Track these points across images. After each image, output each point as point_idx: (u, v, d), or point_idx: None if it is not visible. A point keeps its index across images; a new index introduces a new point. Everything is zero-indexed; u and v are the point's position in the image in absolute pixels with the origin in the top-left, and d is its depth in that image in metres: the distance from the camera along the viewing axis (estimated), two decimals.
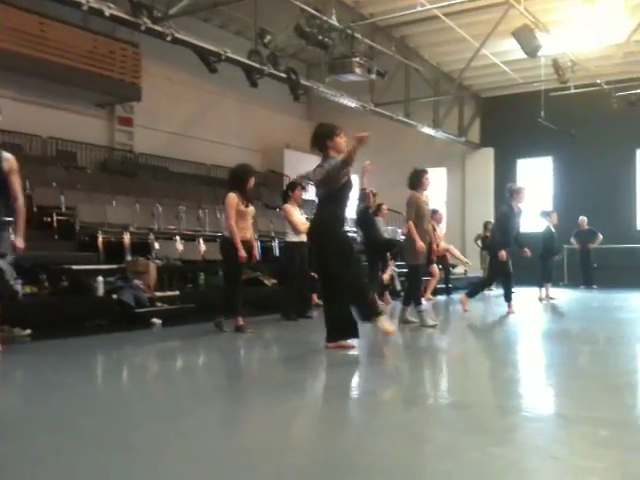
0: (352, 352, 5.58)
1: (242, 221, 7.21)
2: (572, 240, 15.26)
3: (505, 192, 9.56)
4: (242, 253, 6.97)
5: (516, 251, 9.47)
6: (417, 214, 7.65)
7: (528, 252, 9.78)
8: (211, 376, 5.03)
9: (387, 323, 5.62)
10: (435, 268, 12.24)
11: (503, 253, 8.88)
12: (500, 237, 9.13)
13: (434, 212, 12.42)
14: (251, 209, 7.39)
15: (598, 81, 14.11)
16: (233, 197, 7.11)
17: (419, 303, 7.70)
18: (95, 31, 13.07)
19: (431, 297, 11.41)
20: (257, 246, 11.63)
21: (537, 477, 2.57)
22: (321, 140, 5.65)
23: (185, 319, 8.17)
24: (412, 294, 7.90)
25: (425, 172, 7.84)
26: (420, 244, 7.46)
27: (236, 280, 7.22)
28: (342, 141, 5.64)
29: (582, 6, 12.42)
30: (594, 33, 13.18)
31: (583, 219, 15.20)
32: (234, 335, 6.98)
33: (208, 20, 15.92)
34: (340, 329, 5.58)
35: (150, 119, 15.28)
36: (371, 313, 5.59)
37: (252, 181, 7.37)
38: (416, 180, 7.77)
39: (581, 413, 3.55)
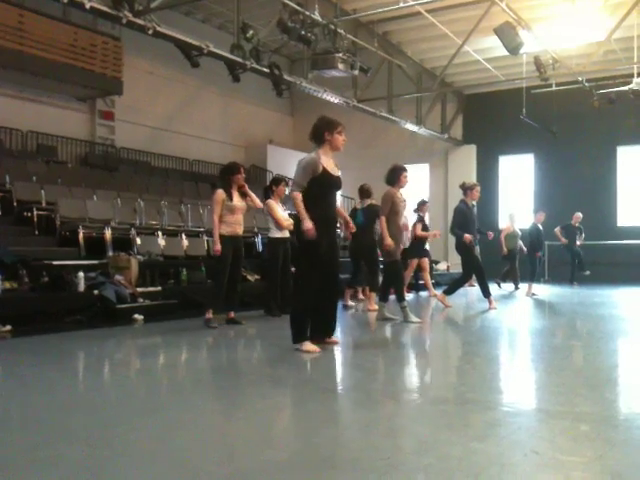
0: (334, 348, 5.58)
1: (231, 216, 7.27)
2: (557, 231, 15.07)
3: (460, 189, 9.60)
4: (217, 247, 7.05)
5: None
6: (392, 210, 7.66)
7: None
8: (192, 372, 5.01)
9: (310, 347, 5.37)
10: (425, 261, 12.32)
11: (468, 236, 8.97)
12: (461, 233, 9.20)
13: (423, 203, 12.50)
14: (243, 204, 7.41)
15: (579, 79, 14.22)
16: (220, 193, 7.22)
17: (402, 299, 7.72)
18: (76, 24, 12.94)
19: (436, 294, 11.21)
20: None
21: (518, 472, 2.59)
22: (320, 131, 5.53)
23: (167, 315, 8.13)
24: (395, 290, 7.91)
25: (404, 170, 7.84)
26: (389, 241, 7.45)
27: (222, 273, 7.20)
28: (341, 139, 5.56)
29: (563, 4, 12.53)
30: (575, 31, 13.29)
31: (579, 215, 15.16)
32: (217, 331, 6.96)
33: (190, 14, 15.84)
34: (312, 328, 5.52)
35: (132, 113, 15.17)
36: (296, 335, 5.43)
37: (239, 177, 7.37)
38: (394, 177, 7.78)
39: (561, 408, 3.58)
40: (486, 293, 9.38)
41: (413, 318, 7.60)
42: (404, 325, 7.47)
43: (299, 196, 5.34)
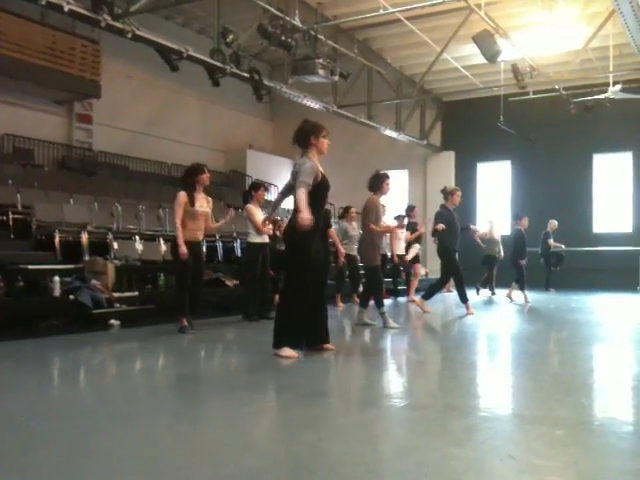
0: (313, 354, 5.57)
1: (192, 221, 7.09)
2: (553, 242, 15.22)
3: (441, 194, 9.63)
4: (182, 250, 6.86)
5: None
6: (371, 217, 7.70)
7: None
8: (170, 378, 4.97)
9: (288, 352, 5.32)
10: (418, 267, 12.43)
11: (440, 226, 9.05)
12: (446, 238, 9.23)
13: (411, 209, 12.58)
14: (204, 210, 7.21)
15: (556, 87, 14.39)
16: (182, 195, 7.04)
17: (381, 305, 7.73)
18: (54, 26, 12.84)
19: (415, 299, 11.27)
20: (218, 246, 11.71)
21: (495, 477, 2.60)
22: (306, 135, 5.49)
23: (144, 320, 8.07)
24: (374, 296, 7.93)
25: (387, 177, 7.88)
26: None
27: (184, 279, 7.08)
28: (326, 143, 5.54)
29: (541, 13, 12.67)
30: (552, 40, 13.46)
31: (554, 222, 15.34)
32: (194, 337, 6.92)
33: (170, 18, 15.78)
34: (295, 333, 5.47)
35: (110, 117, 15.06)
36: (277, 340, 5.38)
37: (205, 178, 7.20)
38: (377, 184, 7.81)
39: (537, 413, 3.61)
40: (464, 299, 9.44)
41: (392, 324, 7.62)
42: (383, 331, 7.48)
43: (306, 193, 5.28)
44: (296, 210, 5.43)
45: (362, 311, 7.99)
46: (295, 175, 5.46)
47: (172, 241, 7.23)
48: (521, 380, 4.80)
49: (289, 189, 5.72)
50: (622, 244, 16.67)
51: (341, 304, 11.13)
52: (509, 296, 12.50)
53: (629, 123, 16.05)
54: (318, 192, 5.41)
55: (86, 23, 10.26)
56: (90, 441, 3.03)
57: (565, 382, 4.57)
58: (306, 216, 5.17)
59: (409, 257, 12.28)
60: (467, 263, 14.87)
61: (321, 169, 5.47)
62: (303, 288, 5.38)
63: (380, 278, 8.00)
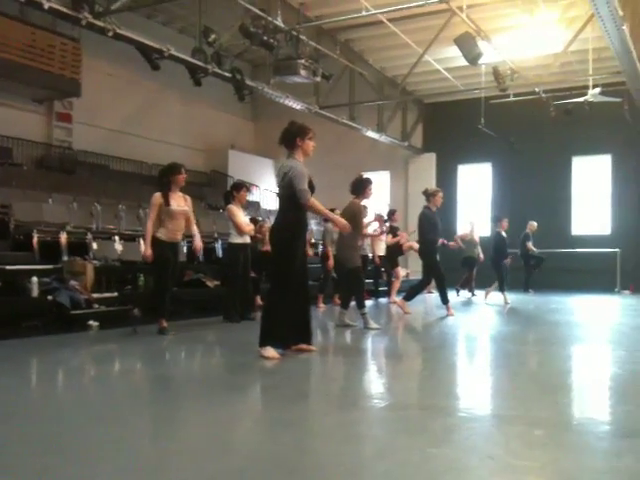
0: (295, 354, 5.57)
1: (170, 221, 7.03)
2: (531, 246, 15.28)
3: (423, 196, 9.64)
4: (147, 252, 6.83)
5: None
6: (357, 222, 7.74)
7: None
8: (149, 379, 4.93)
9: (270, 353, 5.33)
10: (399, 270, 12.46)
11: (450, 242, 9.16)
12: (432, 238, 9.26)
13: (392, 213, 12.63)
14: (182, 209, 7.15)
15: (536, 90, 14.51)
16: (156, 197, 7.00)
17: (362, 306, 7.75)
18: (34, 24, 12.69)
19: (396, 300, 11.31)
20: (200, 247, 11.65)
21: (474, 477, 2.61)
22: (292, 137, 5.50)
23: (123, 321, 7.99)
24: (355, 297, 7.95)
25: (370, 182, 7.93)
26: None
27: (163, 280, 7.01)
28: (311, 145, 5.56)
29: (521, 16, 12.78)
30: (533, 43, 13.57)
31: (534, 224, 15.45)
32: (175, 338, 6.87)
33: (151, 17, 15.68)
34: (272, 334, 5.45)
35: (90, 115, 14.93)
36: (262, 339, 5.38)
37: (181, 178, 7.15)
38: (360, 188, 7.83)
39: (516, 413, 3.63)
40: (444, 300, 9.48)
41: (373, 325, 7.64)
42: (364, 331, 7.49)
43: (314, 201, 5.42)
44: (282, 211, 5.46)
45: (343, 312, 8.00)
46: (283, 177, 5.45)
47: (151, 239, 7.14)
48: (500, 380, 4.83)
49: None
50: (600, 246, 16.86)
51: (322, 305, 11.13)
52: (486, 297, 12.58)
53: (608, 126, 16.22)
54: None
55: (66, 21, 10.15)
56: (68, 442, 3.00)
57: (544, 382, 4.60)
58: (342, 223, 5.72)
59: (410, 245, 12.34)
60: (447, 264, 14.95)
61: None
62: (288, 288, 5.39)
63: (361, 279, 8.03)
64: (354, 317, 8.03)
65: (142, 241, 10.43)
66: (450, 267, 14.54)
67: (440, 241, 9.79)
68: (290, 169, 5.42)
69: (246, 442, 3.16)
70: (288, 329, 5.51)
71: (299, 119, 5.91)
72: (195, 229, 7.47)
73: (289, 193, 5.40)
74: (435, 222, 9.31)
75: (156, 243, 6.92)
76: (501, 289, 12.31)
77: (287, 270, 5.39)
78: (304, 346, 5.66)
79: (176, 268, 7.20)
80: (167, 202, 6.98)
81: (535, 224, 15.38)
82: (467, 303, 12.62)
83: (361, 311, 7.74)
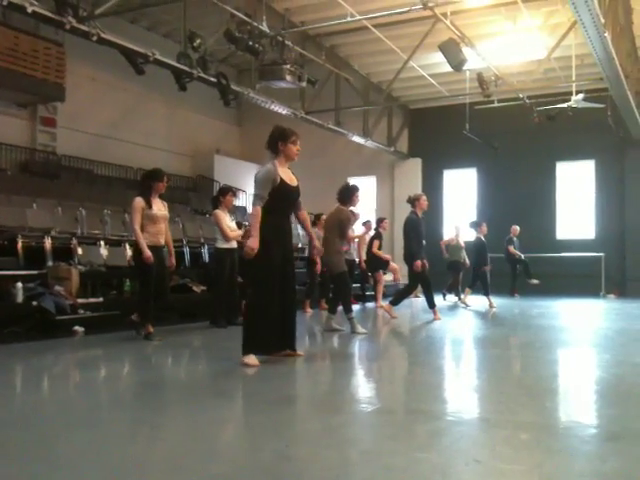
0: (281, 360, 5.55)
1: (153, 225, 7.01)
2: (513, 249, 15.34)
3: (408, 202, 9.64)
4: (147, 253, 6.76)
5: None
6: (342, 228, 7.77)
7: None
8: (134, 385, 4.90)
9: (251, 360, 5.24)
10: (381, 274, 12.49)
11: (419, 263, 9.04)
12: (415, 245, 9.29)
13: (381, 220, 12.65)
14: (163, 213, 7.14)
15: (520, 96, 14.62)
16: (138, 201, 6.96)
17: (349, 310, 7.76)
18: (17, 28, 12.59)
19: (383, 305, 11.30)
20: (185, 252, 11.62)
21: None
22: (274, 141, 5.49)
23: (109, 327, 7.94)
24: (342, 302, 7.96)
25: (357, 189, 7.95)
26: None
27: (147, 285, 6.96)
28: (295, 149, 5.50)
29: (505, 22, 12.89)
30: (516, 49, 13.69)
31: (517, 228, 15.55)
32: (160, 343, 6.84)
33: (136, 21, 15.62)
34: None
35: (74, 120, 14.84)
36: (244, 346, 5.31)
37: (161, 186, 7.11)
38: (347, 196, 7.85)
39: (502, 417, 3.65)
40: (431, 304, 9.51)
41: (360, 329, 7.65)
42: (351, 336, 7.49)
43: (259, 211, 5.27)
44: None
45: (330, 317, 8.00)
46: (254, 181, 5.47)
47: (134, 247, 7.11)
48: (486, 384, 4.85)
49: None
50: (585, 250, 16.99)
51: (309, 309, 11.13)
52: (464, 302, 12.62)
53: (591, 132, 16.37)
54: (277, 196, 5.35)
55: (50, 25, 10.09)
56: (50, 449, 2.97)
57: (529, 386, 4.62)
58: (252, 245, 5.20)
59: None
60: (433, 269, 15.01)
61: (282, 175, 5.39)
62: (267, 292, 5.31)
63: (348, 284, 8.03)
64: (341, 322, 8.04)
65: (128, 246, 10.44)
66: (436, 271, 14.65)
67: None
68: (257, 173, 5.46)
69: (230, 448, 3.15)
70: (270, 335, 5.41)
71: (285, 124, 5.91)
72: (169, 236, 7.40)
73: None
74: (419, 229, 9.33)
75: (141, 248, 6.88)
76: (486, 294, 12.36)
77: (264, 276, 5.32)
78: (290, 352, 5.62)
79: (164, 272, 7.15)
80: (150, 206, 6.96)
81: (518, 228, 15.49)
82: (453, 307, 12.66)
83: (348, 316, 7.74)
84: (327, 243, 7.85)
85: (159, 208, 7.10)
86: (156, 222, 7.03)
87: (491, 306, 12.12)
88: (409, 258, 9.43)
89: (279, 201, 5.38)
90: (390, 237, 18.47)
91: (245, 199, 18.51)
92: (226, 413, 3.85)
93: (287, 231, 5.63)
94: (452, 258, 14.14)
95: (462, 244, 14.22)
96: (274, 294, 5.34)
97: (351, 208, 8.15)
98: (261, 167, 5.58)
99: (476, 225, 12.95)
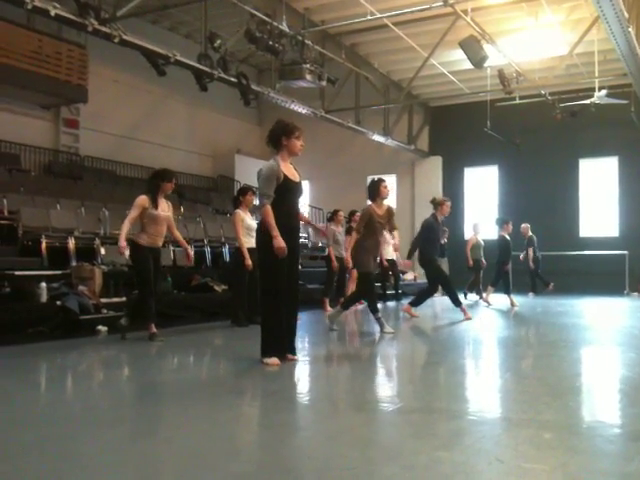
0: (301, 357, 5.56)
1: (154, 226, 6.91)
2: (530, 251, 15.18)
3: (430, 204, 9.63)
4: (122, 243, 6.63)
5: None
6: (369, 225, 7.69)
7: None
8: (155, 384, 4.94)
9: (272, 360, 5.18)
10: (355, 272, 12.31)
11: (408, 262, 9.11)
12: (429, 247, 9.30)
13: (352, 213, 12.38)
14: (167, 214, 7.05)
15: (542, 92, 14.49)
16: (142, 199, 6.88)
17: (375, 310, 7.71)
18: (40, 31, 12.76)
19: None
20: (207, 251, 11.68)
21: None
22: (276, 136, 5.37)
23: (131, 326, 8.00)
24: (368, 303, 7.92)
25: (382, 180, 7.88)
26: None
27: (145, 285, 6.89)
28: (299, 144, 5.38)
29: (526, 19, 12.77)
30: (538, 45, 13.56)
31: (527, 226, 15.40)
32: (181, 342, 6.88)
33: (157, 22, 15.74)
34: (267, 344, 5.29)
35: (96, 121, 14.99)
36: (262, 350, 5.27)
37: (169, 186, 7.03)
38: (374, 191, 7.79)
39: (525, 416, 3.62)
40: (456, 302, 9.44)
41: (388, 329, 7.59)
42: (372, 335, 7.48)
43: (269, 209, 5.15)
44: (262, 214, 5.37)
45: (339, 311, 7.94)
46: (257, 178, 5.40)
47: (131, 246, 6.95)
48: (509, 383, 4.81)
49: None
50: (608, 248, 16.80)
51: (329, 308, 11.12)
52: (486, 300, 12.51)
53: (614, 128, 16.17)
54: (282, 193, 5.24)
55: (73, 28, 10.21)
56: (75, 447, 3.00)
57: (553, 385, 4.58)
58: (278, 244, 5.09)
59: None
60: (453, 267, 14.98)
61: (285, 171, 5.28)
62: (276, 291, 5.24)
63: (371, 284, 7.90)
64: (342, 322, 7.91)
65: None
66: (459, 270, 14.64)
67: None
68: (259, 170, 5.37)
69: (251, 447, 3.16)
70: (284, 337, 5.33)
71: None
72: (179, 235, 7.39)
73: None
74: (436, 234, 9.35)
75: (137, 248, 6.83)
76: (507, 292, 12.26)
77: (271, 273, 5.24)
78: (289, 356, 5.43)
79: (157, 274, 7.07)
80: (155, 206, 6.87)
81: (528, 225, 15.23)
82: (475, 306, 12.58)
83: (375, 316, 7.69)
84: (355, 241, 7.82)
85: (163, 209, 7.00)
86: (158, 223, 6.92)
87: (513, 305, 12.02)
88: (424, 262, 9.42)
89: (284, 198, 5.26)
90: (411, 237, 18.45)
91: None
92: (247, 411, 3.87)
93: (294, 229, 5.50)
94: (474, 257, 14.04)
95: (481, 242, 14.12)
96: (281, 292, 5.26)
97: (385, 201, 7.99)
98: (264, 164, 5.46)
99: (502, 222, 12.77)
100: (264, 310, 5.38)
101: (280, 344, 5.30)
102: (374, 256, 7.80)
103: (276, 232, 5.12)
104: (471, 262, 13.97)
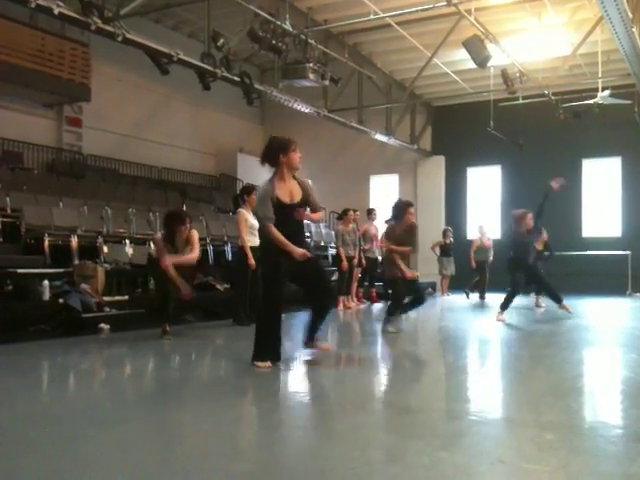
0: (305, 357, 5.56)
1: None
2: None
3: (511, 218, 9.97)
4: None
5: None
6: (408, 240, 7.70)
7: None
8: (158, 383, 4.95)
9: (262, 363, 5.15)
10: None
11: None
12: (524, 254, 9.55)
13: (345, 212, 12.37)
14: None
15: (545, 92, 14.46)
16: (158, 238, 7.22)
17: (391, 313, 7.71)
18: (43, 29, 12.75)
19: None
20: (209, 250, 11.68)
21: None
22: (273, 154, 5.27)
23: (134, 324, 8.02)
24: (390, 304, 7.94)
25: (410, 205, 7.84)
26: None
27: (164, 287, 7.11)
28: (297, 157, 5.28)
29: (530, 19, 12.75)
30: (541, 45, 13.53)
31: None
32: (184, 342, 6.89)
33: (160, 21, 15.73)
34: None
35: (99, 120, 15.00)
36: (255, 354, 5.25)
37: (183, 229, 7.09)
38: (400, 214, 7.75)
39: (527, 417, 3.62)
40: (557, 299, 9.72)
41: (390, 328, 7.58)
42: (370, 335, 7.48)
43: (273, 229, 5.12)
44: (261, 230, 5.47)
45: (388, 319, 7.90)
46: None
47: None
48: (511, 384, 4.81)
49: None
50: (611, 248, 16.76)
51: (352, 303, 11.22)
52: (539, 305, 12.01)
53: (618, 128, 16.13)
54: (276, 214, 5.15)
55: (76, 26, 10.19)
56: (76, 447, 3.01)
57: (555, 386, 4.58)
58: (298, 252, 5.12)
59: None
60: (458, 268, 15.00)
61: (279, 192, 5.17)
62: (275, 302, 5.32)
63: (397, 290, 7.85)
64: (398, 325, 7.89)
65: (151, 244, 10.49)
66: (460, 270, 14.65)
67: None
68: (257, 194, 5.45)
69: (253, 446, 3.16)
70: (276, 344, 5.33)
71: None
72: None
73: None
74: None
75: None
76: (537, 292, 12.13)
77: (273, 289, 5.28)
78: (321, 345, 5.64)
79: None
80: (172, 243, 7.02)
81: None
82: (478, 306, 12.57)
83: (387, 316, 7.74)
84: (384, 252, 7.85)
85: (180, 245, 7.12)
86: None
87: (538, 305, 11.83)
88: (522, 264, 9.50)
89: (279, 221, 5.17)
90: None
91: None
92: (250, 411, 3.87)
93: (296, 243, 5.29)
94: (478, 258, 14.06)
95: (487, 243, 14.12)
96: (280, 305, 5.36)
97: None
98: (261, 185, 5.42)
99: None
100: (260, 317, 5.46)
101: (272, 350, 5.27)
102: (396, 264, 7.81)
103: (289, 246, 5.11)
104: (474, 264, 13.96)
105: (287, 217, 5.24)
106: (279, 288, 5.32)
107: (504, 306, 9.40)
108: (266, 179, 5.34)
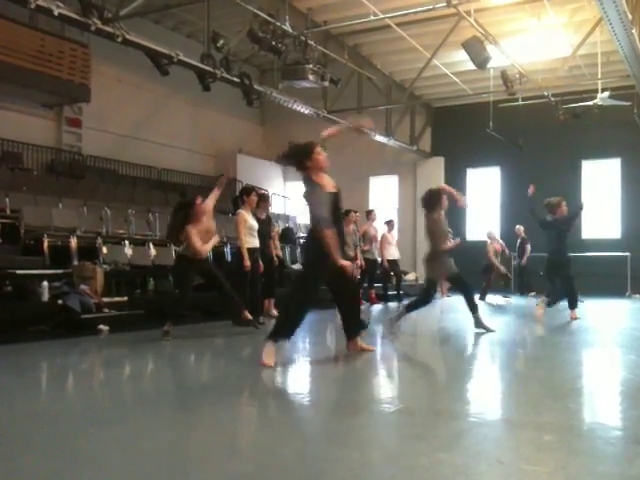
0: (305, 358, 5.56)
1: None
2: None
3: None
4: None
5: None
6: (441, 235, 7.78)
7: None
8: (157, 383, 4.95)
9: (269, 354, 5.15)
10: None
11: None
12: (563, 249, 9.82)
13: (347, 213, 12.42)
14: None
15: (545, 93, 14.47)
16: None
17: (409, 310, 7.77)
18: (43, 30, 12.76)
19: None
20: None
21: None
22: (299, 160, 5.32)
23: (133, 325, 8.02)
24: (415, 302, 7.95)
25: (444, 192, 7.89)
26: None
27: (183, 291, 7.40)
28: (322, 158, 5.33)
29: (529, 20, 12.77)
30: (541, 47, 13.55)
31: (521, 227, 15.51)
32: (182, 342, 6.89)
33: (159, 22, 15.74)
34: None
35: (99, 121, 15.00)
36: (274, 332, 5.29)
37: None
38: (435, 202, 7.78)
39: (526, 418, 3.62)
40: (571, 303, 9.54)
41: (392, 329, 7.63)
42: (370, 336, 7.47)
43: (331, 234, 5.15)
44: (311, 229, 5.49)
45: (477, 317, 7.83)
46: (304, 196, 5.43)
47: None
48: (510, 385, 4.81)
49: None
50: (611, 250, 16.76)
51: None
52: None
53: (617, 130, 16.13)
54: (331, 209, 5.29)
55: (76, 27, 10.21)
56: (75, 446, 3.01)
57: (554, 387, 4.58)
58: (344, 264, 5.28)
59: None
60: (463, 271, 15.00)
61: (325, 181, 5.33)
62: (308, 299, 5.42)
63: (429, 290, 7.88)
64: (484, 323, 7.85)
65: (152, 245, 10.51)
66: (468, 273, 14.57)
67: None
68: (305, 194, 5.40)
69: (252, 447, 3.16)
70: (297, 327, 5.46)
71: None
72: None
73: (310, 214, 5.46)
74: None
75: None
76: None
77: (311, 289, 5.42)
78: (364, 345, 5.94)
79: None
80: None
81: (522, 228, 15.36)
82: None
83: (400, 311, 7.78)
84: (430, 251, 7.92)
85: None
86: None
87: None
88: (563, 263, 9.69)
89: (333, 210, 5.32)
90: (412, 238, 18.44)
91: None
92: (248, 411, 3.87)
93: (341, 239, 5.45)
94: (486, 262, 14.09)
95: (497, 248, 14.15)
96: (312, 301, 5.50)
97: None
98: (306, 186, 5.41)
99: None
100: (290, 302, 5.56)
101: (291, 333, 5.38)
102: (444, 264, 7.89)
103: (337, 256, 5.21)
104: (502, 268, 14.02)
105: (337, 208, 5.42)
106: (317, 291, 5.52)
107: (572, 304, 9.49)
108: (308, 182, 5.34)
